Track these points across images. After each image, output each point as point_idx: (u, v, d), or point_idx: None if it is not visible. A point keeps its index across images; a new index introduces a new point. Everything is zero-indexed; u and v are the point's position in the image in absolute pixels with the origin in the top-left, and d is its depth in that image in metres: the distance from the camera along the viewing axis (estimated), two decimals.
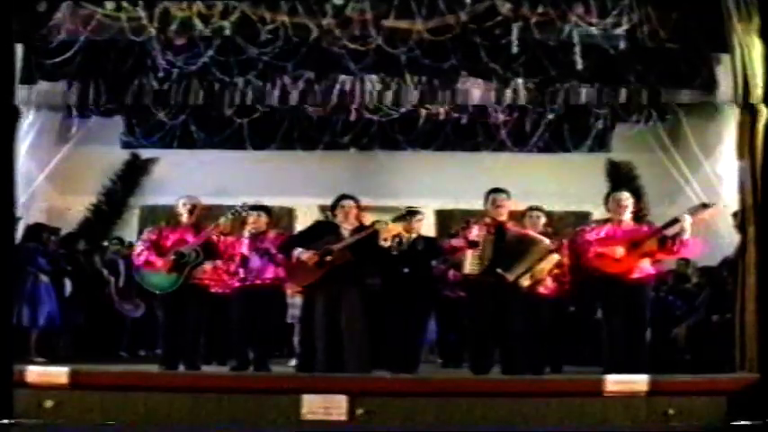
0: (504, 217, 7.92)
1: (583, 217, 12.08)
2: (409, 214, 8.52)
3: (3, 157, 7.26)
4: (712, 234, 10.30)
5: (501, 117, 12.11)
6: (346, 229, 7.85)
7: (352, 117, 12.01)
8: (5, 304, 7.01)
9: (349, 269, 7.66)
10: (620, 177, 13.52)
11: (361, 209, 8.04)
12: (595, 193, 10.24)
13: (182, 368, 8.02)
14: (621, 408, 6.82)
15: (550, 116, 12.01)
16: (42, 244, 9.98)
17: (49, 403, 6.67)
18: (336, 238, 7.78)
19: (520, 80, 11.12)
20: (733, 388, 6.97)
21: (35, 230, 9.97)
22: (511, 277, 7.65)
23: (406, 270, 8.46)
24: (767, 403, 6.72)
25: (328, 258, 7.64)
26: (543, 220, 8.52)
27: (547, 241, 7.92)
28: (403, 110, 11.72)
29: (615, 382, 6.94)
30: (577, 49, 9.74)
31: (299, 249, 7.72)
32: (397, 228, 7.93)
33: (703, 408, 6.82)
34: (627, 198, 8.08)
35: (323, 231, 7.94)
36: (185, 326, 8.10)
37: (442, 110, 11.85)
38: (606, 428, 6.59)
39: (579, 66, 9.84)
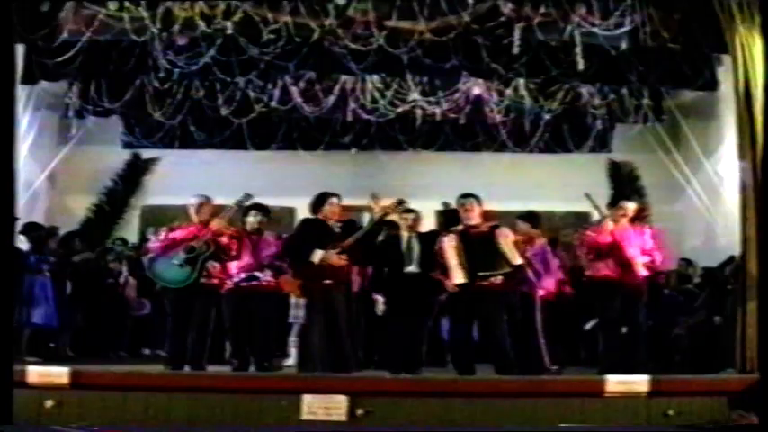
0: (474, 221, 8.06)
1: (583, 217, 12.06)
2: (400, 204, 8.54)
3: (3, 158, 7.28)
4: (712, 235, 10.34)
5: (498, 117, 12.09)
6: (336, 225, 7.92)
7: (349, 117, 11.98)
8: (5, 304, 7.02)
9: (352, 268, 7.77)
10: (622, 177, 13.52)
11: (341, 206, 8.12)
12: (597, 194, 10.27)
13: (186, 368, 8.04)
14: (622, 408, 6.83)
15: (547, 116, 11.99)
16: (36, 243, 9.96)
17: (49, 403, 6.68)
18: (330, 234, 7.86)
19: (521, 80, 11.14)
20: (733, 388, 6.98)
21: (28, 229, 9.95)
22: (497, 279, 7.80)
23: (407, 270, 8.48)
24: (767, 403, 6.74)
25: (344, 256, 7.74)
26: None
27: (504, 229, 8.02)
28: (399, 110, 11.72)
29: (616, 383, 6.95)
30: (579, 50, 9.72)
31: (320, 252, 7.74)
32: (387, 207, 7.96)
33: (704, 408, 6.83)
34: (630, 209, 8.34)
35: (316, 230, 7.97)
36: (192, 326, 8.13)
37: (438, 110, 11.83)
38: (607, 429, 6.59)
39: (581, 66, 9.83)
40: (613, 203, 8.53)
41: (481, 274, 7.80)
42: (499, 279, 7.85)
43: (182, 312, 8.13)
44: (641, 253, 8.08)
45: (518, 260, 7.90)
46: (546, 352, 8.60)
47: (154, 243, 8.37)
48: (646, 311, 8.06)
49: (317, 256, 7.73)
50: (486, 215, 8.26)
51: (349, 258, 7.77)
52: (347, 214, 8.56)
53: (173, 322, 8.27)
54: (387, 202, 8.03)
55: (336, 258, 7.71)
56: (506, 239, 7.94)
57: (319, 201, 8.05)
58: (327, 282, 7.77)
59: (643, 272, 8.04)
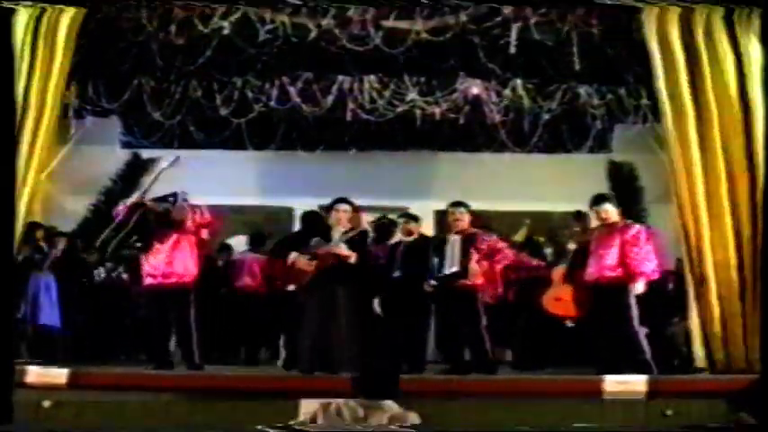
0: (460, 228, 8.40)
1: (584, 218, 12.05)
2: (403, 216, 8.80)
3: (3, 157, 7.29)
4: None
5: (498, 117, 12.06)
6: (339, 230, 7.98)
7: (349, 117, 11.97)
8: (6, 305, 7.03)
9: (340, 270, 7.81)
10: (622, 178, 13.47)
11: (357, 211, 8.16)
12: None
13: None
14: (620, 409, 6.83)
15: (546, 116, 11.96)
16: (35, 243, 9.96)
17: (47, 404, 6.69)
18: (325, 239, 7.98)
19: (519, 81, 11.11)
20: (732, 389, 6.98)
21: (27, 229, 9.93)
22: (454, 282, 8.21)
23: (396, 274, 8.62)
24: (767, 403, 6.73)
25: (313, 262, 7.83)
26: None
27: (455, 237, 8.34)
28: (398, 110, 11.70)
29: (614, 383, 6.97)
30: (575, 50, 9.69)
31: (294, 254, 7.90)
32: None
33: (702, 409, 6.83)
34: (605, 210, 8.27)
35: (314, 232, 8.08)
36: (173, 326, 8.21)
37: (437, 110, 11.81)
38: (605, 429, 6.59)
39: (577, 66, 9.81)
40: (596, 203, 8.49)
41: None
42: (457, 282, 8.20)
43: (155, 312, 8.25)
44: (618, 255, 8.02)
45: (452, 268, 8.19)
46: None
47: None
48: (624, 312, 7.97)
49: (291, 257, 7.88)
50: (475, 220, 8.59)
51: (319, 265, 7.88)
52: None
53: (150, 323, 8.40)
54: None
55: (305, 263, 7.82)
56: (452, 246, 8.27)
57: (328, 206, 8.17)
58: (298, 283, 7.99)
59: (609, 274, 7.99)
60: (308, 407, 6.59)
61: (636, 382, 7.05)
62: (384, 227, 9.52)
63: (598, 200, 8.37)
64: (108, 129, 13.16)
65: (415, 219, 9.12)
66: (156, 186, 13.67)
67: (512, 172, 12.70)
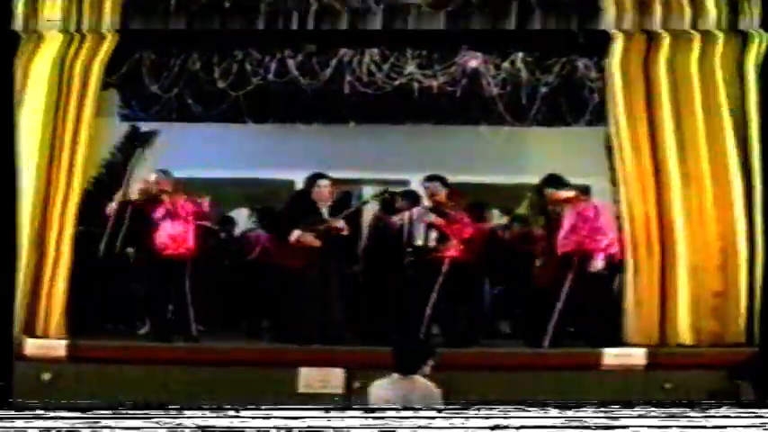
0: (436, 201, 8.56)
1: (583, 191, 12.03)
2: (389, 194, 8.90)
3: (3, 131, 7.30)
4: None
5: (495, 90, 11.98)
6: (324, 206, 8.10)
7: (347, 90, 11.89)
8: (6, 278, 7.04)
9: (339, 244, 8.07)
10: None
11: (334, 185, 8.39)
12: (595, 167, 10.27)
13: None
14: (620, 381, 6.86)
15: (544, 89, 11.88)
16: None
17: (46, 376, 6.71)
18: (316, 216, 8.21)
19: (518, 53, 11.04)
20: (730, 361, 7.00)
21: None
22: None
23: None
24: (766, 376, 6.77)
25: (319, 238, 8.04)
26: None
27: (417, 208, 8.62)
28: (396, 83, 11.62)
29: (613, 356, 6.99)
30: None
31: (297, 231, 8.02)
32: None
33: (701, 381, 6.86)
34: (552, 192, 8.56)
35: (303, 209, 8.19)
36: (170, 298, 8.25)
37: (434, 83, 11.73)
38: (604, 402, 6.61)
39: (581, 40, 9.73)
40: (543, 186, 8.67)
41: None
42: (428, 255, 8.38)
43: (152, 284, 8.33)
44: (571, 230, 8.13)
45: (418, 241, 8.43)
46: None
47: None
48: (581, 287, 8.00)
49: (294, 235, 7.94)
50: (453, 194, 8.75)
51: (323, 241, 8.09)
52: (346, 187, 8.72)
53: (148, 295, 8.45)
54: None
55: (311, 239, 8.02)
56: (419, 220, 8.50)
57: (308, 183, 8.26)
58: (303, 261, 8.07)
59: (566, 248, 8.11)
60: (307, 376, 6.62)
61: (634, 355, 7.07)
62: (387, 200, 9.56)
63: (545, 183, 8.68)
64: (107, 101, 13.11)
65: (409, 196, 9.20)
66: (156, 159, 13.79)
67: (510, 145, 12.67)
